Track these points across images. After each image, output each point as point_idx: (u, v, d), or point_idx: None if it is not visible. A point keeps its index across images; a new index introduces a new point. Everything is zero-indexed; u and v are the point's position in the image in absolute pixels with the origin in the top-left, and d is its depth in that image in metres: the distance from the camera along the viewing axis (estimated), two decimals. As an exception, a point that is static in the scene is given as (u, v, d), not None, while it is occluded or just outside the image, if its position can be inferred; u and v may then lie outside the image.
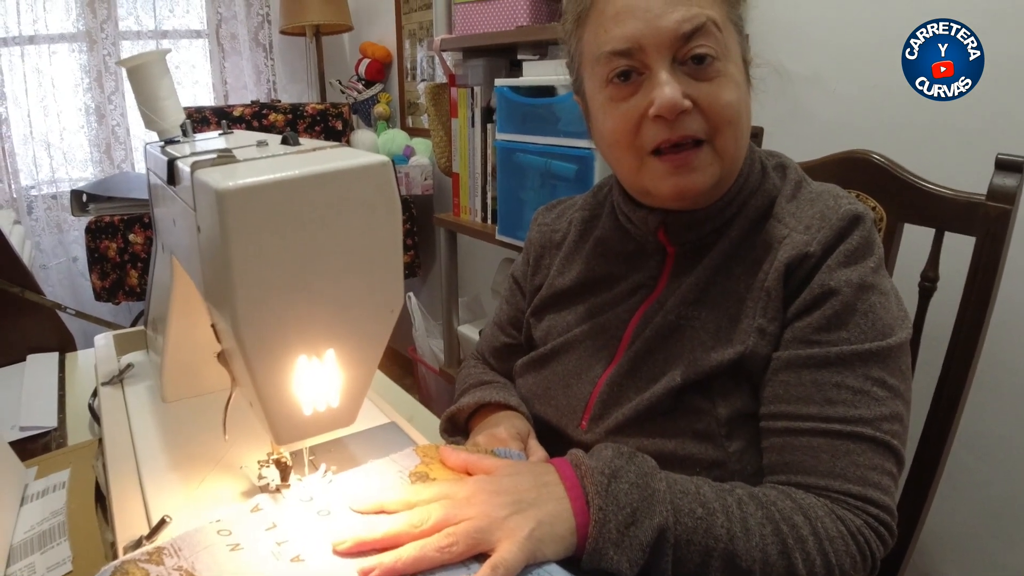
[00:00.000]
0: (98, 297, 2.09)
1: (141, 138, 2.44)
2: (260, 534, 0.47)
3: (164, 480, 0.58)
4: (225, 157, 0.41)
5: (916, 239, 0.92)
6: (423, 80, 2.30)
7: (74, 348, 1.09)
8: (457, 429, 0.74)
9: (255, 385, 0.40)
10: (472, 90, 1.59)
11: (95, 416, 0.80)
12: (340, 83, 2.56)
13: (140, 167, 2.47)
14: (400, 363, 2.50)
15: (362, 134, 2.27)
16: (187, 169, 0.42)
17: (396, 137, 2.28)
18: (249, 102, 2.24)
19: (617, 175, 0.68)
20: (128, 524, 0.52)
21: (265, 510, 0.50)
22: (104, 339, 0.90)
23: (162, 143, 0.63)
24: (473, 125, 1.62)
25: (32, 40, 2.14)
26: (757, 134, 1.19)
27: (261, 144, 0.50)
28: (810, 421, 0.55)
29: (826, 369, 0.56)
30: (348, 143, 2.23)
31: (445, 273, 1.95)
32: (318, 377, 0.42)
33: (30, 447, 0.79)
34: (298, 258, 0.38)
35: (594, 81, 0.62)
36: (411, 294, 2.29)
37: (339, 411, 0.45)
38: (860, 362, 0.56)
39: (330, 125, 2.19)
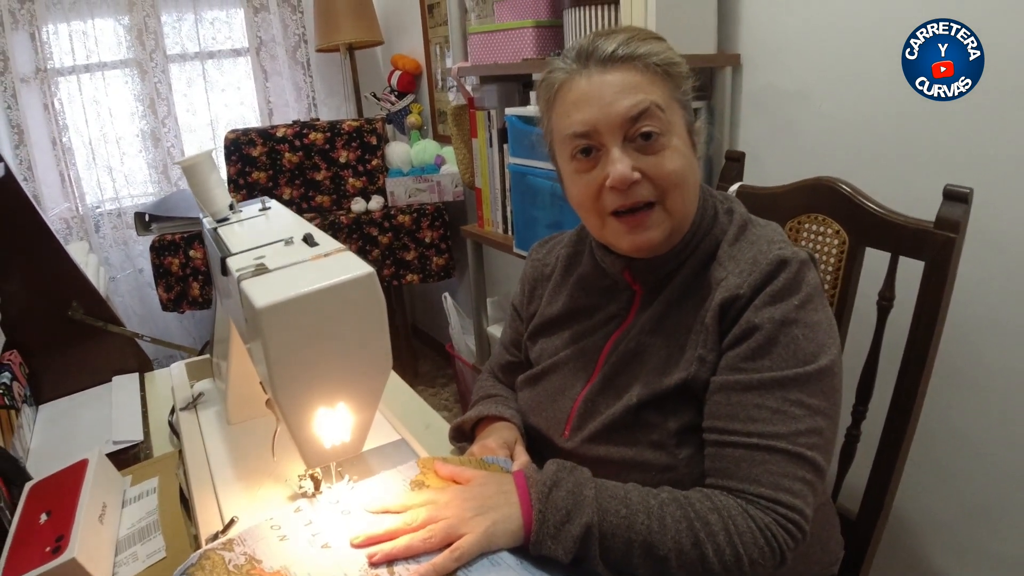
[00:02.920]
0: (165, 308, 2.36)
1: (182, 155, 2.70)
2: (300, 529, 0.67)
3: (231, 487, 0.79)
4: (260, 269, 0.60)
5: (878, 261, 1.00)
6: (451, 87, 2.47)
7: (151, 368, 1.33)
8: (463, 437, 0.93)
9: (288, 427, 0.60)
10: (488, 113, 1.75)
11: (174, 431, 1.02)
12: (375, 95, 2.76)
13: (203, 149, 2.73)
14: (442, 356, 2.70)
15: (396, 147, 2.47)
16: (235, 275, 0.61)
17: (428, 147, 2.47)
18: (291, 121, 2.46)
19: (587, 229, 0.84)
20: (207, 521, 0.73)
21: (304, 511, 0.70)
22: (178, 367, 1.12)
23: (215, 224, 0.83)
24: (491, 145, 1.79)
25: (87, 69, 2.41)
26: (739, 159, 1.31)
27: (288, 243, 0.68)
28: (735, 435, 0.69)
29: (750, 392, 0.69)
30: (383, 156, 2.43)
31: (473, 280, 2.14)
32: (334, 421, 0.61)
33: (122, 458, 1.02)
34: (314, 344, 0.56)
35: (563, 155, 0.77)
36: (447, 295, 2.49)
37: (350, 444, 0.64)
38: (779, 387, 0.68)
39: (365, 141, 2.39)
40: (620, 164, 0.70)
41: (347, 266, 0.59)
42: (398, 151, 2.45)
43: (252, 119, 2.79)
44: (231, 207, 0.88)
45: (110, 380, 1.25)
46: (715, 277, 0.76)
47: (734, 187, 1.24)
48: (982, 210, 1.09)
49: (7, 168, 1.03)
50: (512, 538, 0.62)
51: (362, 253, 2.36)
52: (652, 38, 0.75)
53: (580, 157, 0.74)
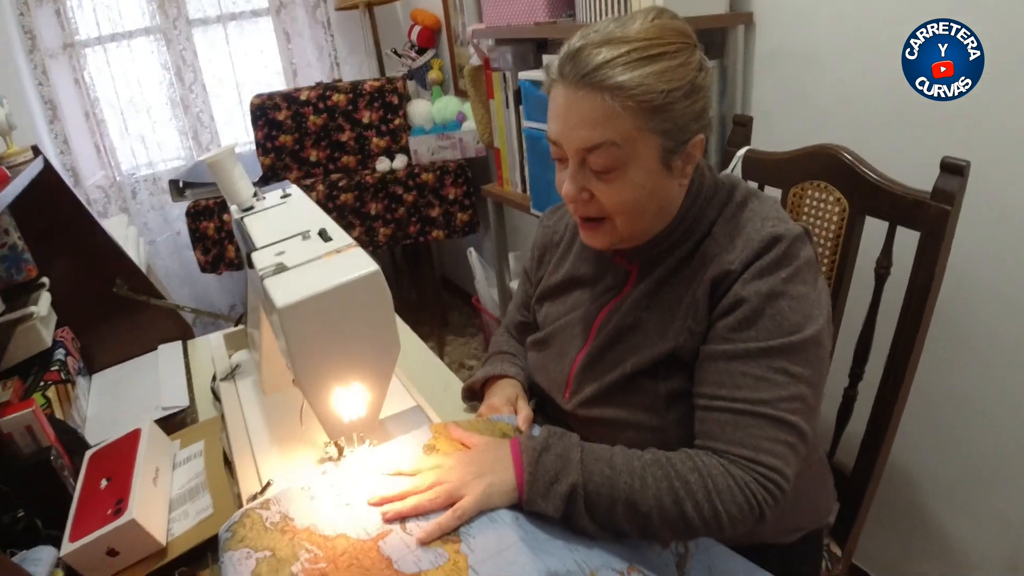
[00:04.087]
0: (203, 269, 2.49)
1: (223, 121, 2.78)
2: (326, 489, 0.77)
3: (268, 452, 0.89)
4: (280, 267, 0.68)
5: (878, 229, 1.03)
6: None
7: (192, 335, 1.45)
8: (474, 396, 1.03)
9: (310, 404, 0.69)
10: (504, 74, 1.79)
11: (216, 397, 1.14)
12: (396, 52, 2.79)
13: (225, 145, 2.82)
14: (471, 306, 2.79)
15: (417, 105, 2.51)
16: (259, 273, 0.69)
17: (449, 104, 2.50)
18: (314, 83, 2.52)
19: None
20: (247, 482, 0.84)
21: (329, 474, 0.80)
22: (217, 338, 1.23)
23: (241, 215, 0.91)
24: (508, 107, 1.83)
25: (113, 39, 2.48)
26: (746, 123, 1.33)
27: (305, 237, 0.76)
28: (721, 401, 0.74)
29: (736, 361, 0.74)
30: (405, 115, 2.48)
31: (495, 237, 2.21)
32: (350, 398, 0.70)
33: (171, 422, 1.14)
34: (329, 335, 0.65)
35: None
36: (471, 250, 2.56)
37: (366, 418, 0.73)
38: (763, 355, 0.73)
39: (387, 100, 2.44)
40: (568, 184, 0.77)
41: (356, 264, 0.66)
42: (420, 109, 2.50)
43: (277, 81, 2.85)
44: (255, 195, 0.96)
45: (156, 349, 1.37)
46: (709, 253, 0.80)
47: (741, 151, 1.27)
48: (987, 178, 1.11)
49: (46, 160, 1.12)
50: (507, 498, 0.71)
51: (388, 211, 2.44)
52: (645, 60, 0.71)
53: (555, 151, 0.79)
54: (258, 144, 2.43)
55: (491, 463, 0.73)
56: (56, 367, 1.10)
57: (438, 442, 0.82)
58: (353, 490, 0.75)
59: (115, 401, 1.23)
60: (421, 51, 2.72)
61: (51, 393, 1.03)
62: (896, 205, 0.99)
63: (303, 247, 0.74)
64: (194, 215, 2.37)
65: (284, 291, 0.64)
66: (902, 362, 1.00)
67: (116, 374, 1.32)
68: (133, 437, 0.95)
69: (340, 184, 2.38)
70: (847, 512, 1.11)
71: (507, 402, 0.93)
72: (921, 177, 0.97)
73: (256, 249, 0.77)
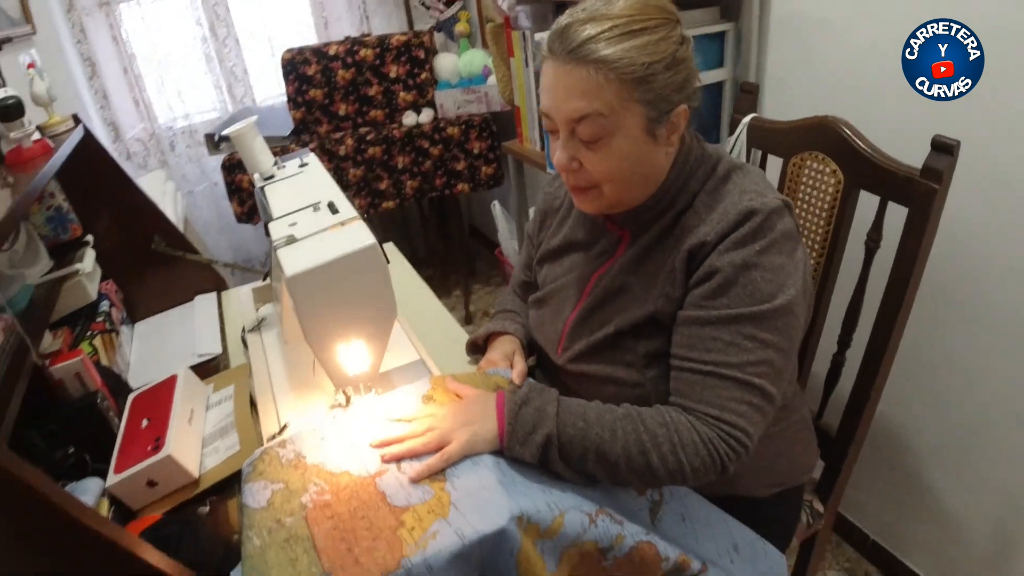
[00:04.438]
0: (239, 219, 2.61)
1: (256, 75, 2.86)
2: (335, 431, 0.88)
3: (286, 397, 1.01)
4: (291, 239, 0.77)
5: (873, 201, 1.05)
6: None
7: (226, 287, 1.57)
8: (477, 350, 1.12)
9: (318, 359, 0.79)
10: (524, 33, 1.82)
11: (245, 345, 1.25)
12: (424, 4, 2.80)
13: (259, 98, 2.91)
14: (495, 257, 2.88)
15: (444, 59, 2.54)
16: (272, 243, 0.78)
17: (475, 58, 2.53)
18: (342, 38, 2.57)
19: None
20: (268, 424, 0.95)
21: (338, 418, 0.91)
22: (246, 291, 1.35)
23: (263, 183, 1.00)
24: (527, 66, 1.86)
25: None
26: (752, 91, 1.35)
27: (316, 208, 0.85)
28: (692, 362, 0.81)
29: (708, 327, 0.80)
30: (431, 69, 2.52)
31: (516, 193, 2.27)
32: (352, 354, 0.80)
33: (206, 367, 1.27)
34: (331, 300, 0.74)
35: None
36: (496, 203, 2.63)
37: (368, 372, 0.83)
38: (734, 322, 0.79)
39: (414, 55, 2.48)
40: (559, 153, 0.83)
41: (357, 238, 0.74)
42: (446, 63, 2.53)
43: (308, 34, 2.90)
44: (275, 164, 1.05)
45: (192, 299, 1.50)
46: (689, 224, 0.85)
47: (746, 119, 1.29)
48: (987, 151, 1.11)
49: (86, 128, 1.22)
50: (490, 445, 0.80)
51: (415, 164, 2.52)
52: (628, 35, 0.76)
53: (547, 124, 0.85)
54: (290, 98, 2.50)
55: (478, 413, 0.83)
56: (101, 318, 1.22)
57: (435, 393, 0.92)
58: (358, 433, 0.86)
59: (155, 348, 1.36)
60: (449, 3, 2.74)
61: (97, 342, 1.16)
62: (887, 181, 1.02)
63: (313, 219, 0.83)
64: (229, 168, 2.47)
65: (292, 261, 0.73)
66: (885, 334, 1.04)
67: (156, 323, 1.45)
68: (171, 382, 1.07)
69: (368, 138, 2.46)
70: (831, 471, 1.17)
71: (504, 357, 1.02)
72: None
73: (273, 219, 0.86)
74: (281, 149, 2.39)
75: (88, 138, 1.24)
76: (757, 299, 0.79)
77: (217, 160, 2.63)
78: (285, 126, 2.53)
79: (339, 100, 2.51)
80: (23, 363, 0.92)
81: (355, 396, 0.91)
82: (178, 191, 2.21)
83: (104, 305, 1.27)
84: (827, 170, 1.12)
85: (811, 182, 1.16)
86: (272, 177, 1.02)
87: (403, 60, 2.47)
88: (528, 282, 1.15)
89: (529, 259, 1.14)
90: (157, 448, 0.92)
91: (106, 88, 2.49)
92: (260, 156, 0.99)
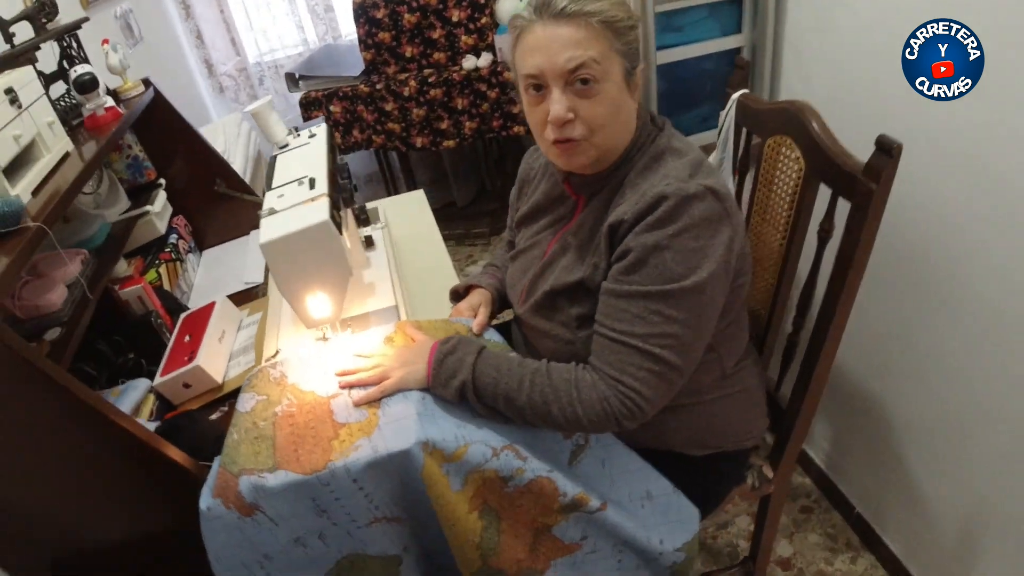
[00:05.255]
0: (315, 152, 2.91)
1: (341, 10, 3.07)
2: (314, 359, 1.11)
3: (288, 328, 1.25)
4: (271, 211, 1.00)
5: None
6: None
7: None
8: (459, 298, 1.28)
9: (292, 307, 1.03)
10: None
11: (278, 279, 1.53)
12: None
13: (344, 32, 3.13)
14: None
15: (504, 3, 2.64)
16: (260, 212, 1.02)
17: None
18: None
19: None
20: (269, 348, 1.22)
21: (319, 349, 1.15)
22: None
23: (277, 152, 1.23)
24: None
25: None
26: (744, 67, 1.40)
27: (300, 183, 1.07)
28: (605, 328, 0.92)
29: (621, 299, 0.91)
30: (492, 13, 2.64)
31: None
32: (317, 303, 1.03)
33: (248, 293, 1.56)
34: (295, 262, 0.96)
35: (521, 85, 0.96)
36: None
37: (330, 316, 1.06)
38: (642, 298, 0.89)
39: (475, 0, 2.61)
40: (558, 104, 0.90)
41: (316, 214, 0.96)
42: (507, 7, 2.63)
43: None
44: (289, 133, 1.27)
45: (248, 233, 1.79)
46: (618, 200, 0.96)
47: (736, 95, 1.35)
48: (972, 140, 1.11)
49: (156, 91, 1.50)
50: (419, 384, 1.00)
51: (473, 107, 2.68)
52: None
53: (532, 92, 0.94)
54: (361, 40, 2.71)
55: (415, 357, 1.03)
56: (169, 249, 1.53)
57: (396, 336, 1.14)
58: (329, 362, 1.10)
59: (215, 274, 1.67)
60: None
61: (163, 269, 1.47)
62: (837, 174, 1.05)
63: (296, 192, 1.04)
64: (305, 105, 2.74)
65: (267, 230, 0.96)
66: (826, 323, 1.11)
67: (219, 252, 1.76)
68: (211, 306, 1.36)
69: (430, 80, 2.64)
70: (780, 442, 1.27)
71: (470, 308, 1.21)
72: (939, 132, 1.04)
73: (271, 189, 1.09)
74: (323, 97, 2.62)
75: (158, 97, 1.51)
76: (666, 278, 0.88)
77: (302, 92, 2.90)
78: (356, 66, 2.76)
79: (405, 42, 2.69)
80: (96, 287, 1.22)
81: (333, 333, 1.15)
82: (252, 131, 2.51)
83: (172, 238, 1.58)
84: (792, 156, 1.16)
85: (782, 165, 1.20)
86: (286, 146, 1.24)
87: (464, 4, 2.60)
88: (512, 241, 1.33)
89: (512, 221, 1.31)
90: (191, 359, 1.21)
91: (199, 28, 2.79)
92: (275, 128, 1.22)
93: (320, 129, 1.27)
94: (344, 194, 1.15)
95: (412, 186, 3.29)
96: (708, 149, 1.45)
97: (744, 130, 1.35)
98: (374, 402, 0.99)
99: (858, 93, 1.34)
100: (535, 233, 1.15)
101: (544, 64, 0.90)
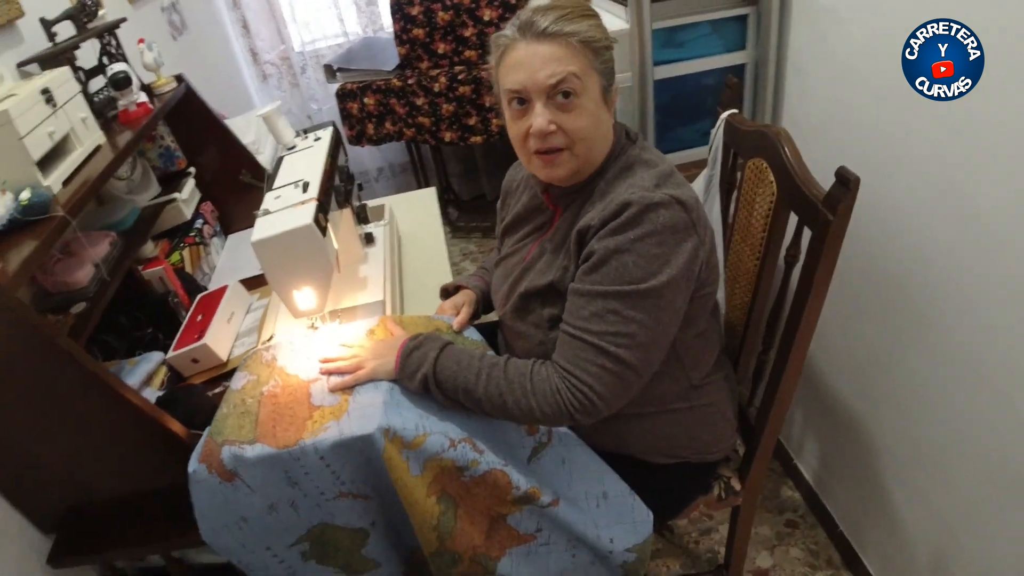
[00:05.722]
0: (350, 141, 3.05)
1: (380, 5, 3.20)
2: (303, 347, 1.23)
3: (285, 315, 1.38)
4: (266, 212, 1.12)
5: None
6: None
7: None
8: (448, 295, 1.37)
9: (281, 299, 1.15)
10: None
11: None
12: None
13: (387, 24, 3.24)
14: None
15: (535, 4, 2.72)
16: (257, 212, 1.14)
17: None
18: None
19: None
20: (267, 333, 1.35)
21: (307, 337, 1.26)
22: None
23: (284, 153, 1.35)
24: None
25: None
26: (734, 87, 1.44)
27: (296, 185, 1.18)
28: (567, 326, 0.99)
29: (582, 297, 0.97)
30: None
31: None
32: (302, 297, 1.15)
33: (262, 279, 1.69)
34: (284, 260, 1.07)
35: (504, 100, 1.03)
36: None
37: (315, 307, 1.17)
38: (601, 297, 0.95)
39: (507, 0, 2.69)
40: (540, 118, 0.97)
41: (302, 217, 1.07)
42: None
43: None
44: (297, 135, 1.39)
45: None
46: (585, 209, 1.03)
47: (725, 114, 1.39)
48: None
49: (188, 86, 1.64)
50: (388, 375, 1.09)
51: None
52: (582, 16, 0.96)
53: (515, 106, 1.00)
54: (396, 35, 2.83)
55: (387, 351, 1.13)
56: (193, 233, 1.68)
57: (377, 329, 1.24)
58: (314, 349, 1.21)
59: (237, 257, 1.81)
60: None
61: (186, 252, 1.61)
62: (803, 202, 1.09)
63: (292, 194, 1.16)
64: (341, 96, 2.88)
65: (260, 229, 1.07)
66: (789, 342, 1.14)
67: (242, 237, 1.90)
68: (223, 290, 1.49)
69: (460, 77, 2.73)
70: (749, 455, 1.32)
71: (453, 307, 1.30)
72: (944, 146, 1.04)
73: (271, 189, 1.21)
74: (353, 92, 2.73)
75: (190, 93, 1.66)
76: (625, 280, 0.94)
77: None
78: (391, 60, 2.87)
79: (439, 39, 2.79)
80: (122, 266, 1.36)
81: (323, 324, 1.26)
82: (289, 109, 2.65)
83: (198, 223, 1.72)
84: (767, 180, 1.21)
85: (759, 189, 1.25)
86: (294, 147, 1.36)
87: (496, 4, 2.68)
88: (499, 248, 1.42)
89: (498, 231, 1.40)
90: (200, 337, 1.35)
91: (246, 17, 2.95)
92: (283, 131, 1.33)
93: (325, 133, 1.38)
94: (340, 195, 1.26)
95: (443, 178, 3.41)
96: (703, 164, 1.52)
97: (732, 150, 1.40)
98: (348, 390, 1.10)
99: (857, 113, 1.36)
100: (517, 241, 1.23)
101: (527, 80, 0.97)
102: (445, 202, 3.55)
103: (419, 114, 2.83)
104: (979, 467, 1.21)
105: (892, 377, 1.41)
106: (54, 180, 1.15)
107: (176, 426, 1.09)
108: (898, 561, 1.52)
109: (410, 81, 2.77)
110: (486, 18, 2.71)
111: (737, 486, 1.35)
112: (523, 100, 0.99)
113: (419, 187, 3.06)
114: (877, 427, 1.51)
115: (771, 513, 1.89)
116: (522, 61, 0.97)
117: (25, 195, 1.05)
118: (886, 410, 1.47)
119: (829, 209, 1.02)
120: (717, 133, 1.43)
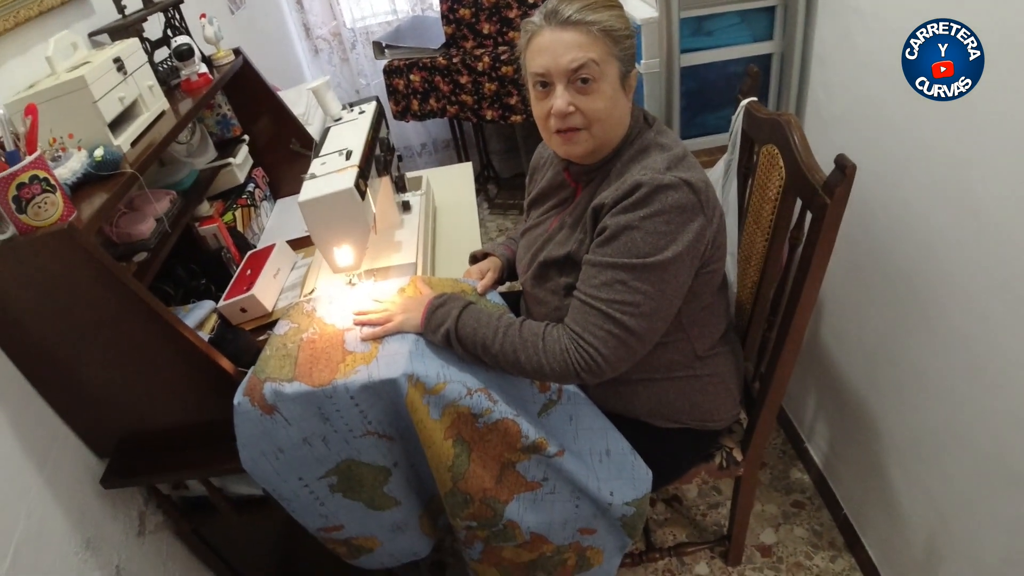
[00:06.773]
0: (395, 117, 3.19)
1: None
2: (340, 299, 1.36)
3: (327, 270, 1.52)
4: (312, 176, 1.25)
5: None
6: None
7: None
8: (476, 261, 1.50)
9: (323, 256, 1.29)
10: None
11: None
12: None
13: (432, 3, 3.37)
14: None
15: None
16: (302, 176, 1.28)
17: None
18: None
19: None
20: (309, 286, 1.49)
21: (346, 291, 1.40)
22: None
23: (331, 124, 1.49)
24: None
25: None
26: (754, 76, 1.51)
27: (340, 152, 1.32)
28: (579, 292, 1.08)
29: (593, 267, 1.06)
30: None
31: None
32: (342, 255, 1.28)
33: (306, 240, 1.83)
34: (327, 220, 1.20)
35: (529, 82, 1.12)
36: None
37: (352, 265, 1.31)
38: (611, 268, 1.04)
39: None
40: (560, 99, 1.06)
41: (344, 181, 1.20)
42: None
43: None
44: (343, 108, 1.53)
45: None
46: (602, 188, 1.12)
47: (745, 101, 1.47)
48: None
49: (245, 59, 1.79)
50: (415, 329, 1.21)
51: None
52: (604, 7, 1.05)
53: (539, 88, 1.10)
54: (443, 15, 2.94)
55: (415, 307, 1.26)
56: (245, 196, 1.83)
57: (408, 288, 1.38)
58: (351, 303, 1.35)
59: (284, 219, 1.97)
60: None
61: (238, 213, 1.77)
62: (805, 186, 1.16)
63: (336, 161, 1.29)
64: (388, 72, 3.01)
65: (306, 191, 1.21)
66: (788, 322, 1.24)
67: (290, 201, 2.05)
68: (271, 248, 1.64)
69: (503, 57, 2.84)
70: (750, 429, 1.42)
71: (479, 272, 1.42)
72: (960, 140, 1.07)
73: (317, 156, 1.35)
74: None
75: (247, 65, 1.80)
76: (634, 254, 1.03)
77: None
78: (437, 39, 2.99)
79: (484, 20, 2.89)
80: (180, 222, 1.52)
81: (359, 280, 1.40)
82: (337, 85, 2.79)
83: (250, 187, 1.88)
84: (778, 165, 1.28)
85: (771, 174, 1.31)
86: (340, 119, 1.49)
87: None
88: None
89: (525, 204, 1.52)
90: (249, 288, 1.50)
91: (300, -6, 3.11)
92: (330, 104, 1.47)
93: (370, 107, 1.51)
94: (380, 165, 1.38)
95: (484, 155, 3.53)
96: (726, 149, 1.60)
97: (750, 137, 1.47)
98: (378, 340, 1.23)
99: (876, 106, 1.40)
100: (541, 214, 1.35)
101: (550, 64, 1.06)
102: (485, 179, 3.67)
103: (462, 92, 2.94)
104: (974, 458, 1.26)
105: (897, 366, 1.47)
106: (123, 140, 1.30)
107: (225, 363, 1.23)
108: (896, 543, 1.57)
109: (455, 60, 2.88)
110: (531, 0, 2.80)
111: (739, 456, 1.44)
112: (546, 83, 1.09)
113: (459, 163, 3.18)
114: (882, 414, 1.57)
115: (779, 493, 1.97)
116: (546, 47, 1.06)
117: (99, 152, 1.20)
118: (890, 398, 1.52)
119: (827, 193, 1.09)
120: (737, 120, 1.50)
